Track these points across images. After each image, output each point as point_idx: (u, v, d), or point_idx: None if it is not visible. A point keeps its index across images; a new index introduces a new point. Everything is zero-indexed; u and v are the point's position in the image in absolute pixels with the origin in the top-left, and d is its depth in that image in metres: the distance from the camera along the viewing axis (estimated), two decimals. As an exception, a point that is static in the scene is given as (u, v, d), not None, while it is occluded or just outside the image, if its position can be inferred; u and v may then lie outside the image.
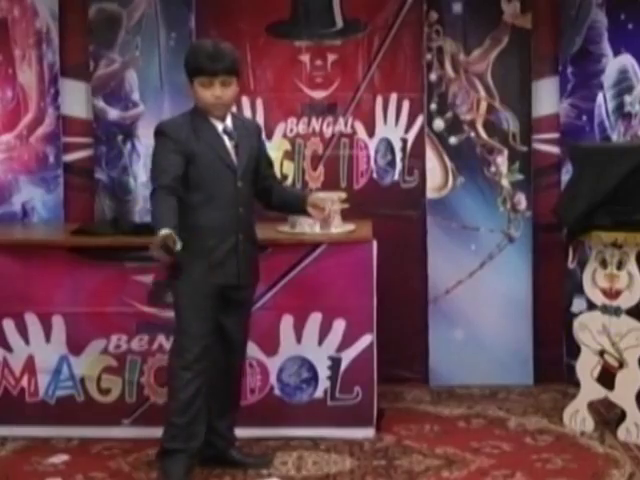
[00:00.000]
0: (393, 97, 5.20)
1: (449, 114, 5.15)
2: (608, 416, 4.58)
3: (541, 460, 4.13)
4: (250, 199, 3.88)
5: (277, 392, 4.42)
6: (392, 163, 5.23)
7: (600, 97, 5.01)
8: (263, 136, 4.13)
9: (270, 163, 4.07)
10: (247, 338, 4.04)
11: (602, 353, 4.42)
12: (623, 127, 4.91)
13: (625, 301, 4.35)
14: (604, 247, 4.37)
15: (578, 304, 4.97)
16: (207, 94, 3.71)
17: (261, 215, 4.82)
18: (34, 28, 5.07)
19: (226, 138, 3.78)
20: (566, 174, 5.03)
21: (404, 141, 5.22)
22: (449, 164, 5.17)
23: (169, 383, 3.87)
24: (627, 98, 4.90)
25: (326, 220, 4.14)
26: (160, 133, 3.74)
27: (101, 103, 5.15)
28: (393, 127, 5.22)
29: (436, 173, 5.18)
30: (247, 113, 5.16)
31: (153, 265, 3.96)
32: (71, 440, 4.40)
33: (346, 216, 4.50)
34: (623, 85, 4.92)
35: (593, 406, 4.53)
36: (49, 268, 4.37)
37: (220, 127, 3.78)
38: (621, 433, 4.35)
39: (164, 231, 3.44)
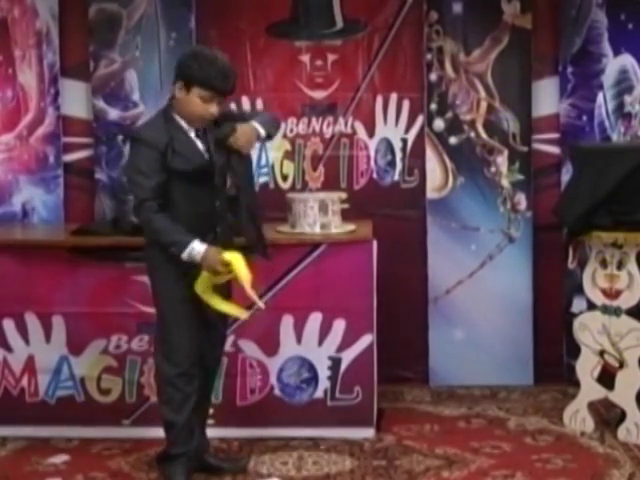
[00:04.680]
0: (393, 97, 5.19)
1: (449, 114, 5.15)
2: (608, 416, 4.58)
3: (541, 460, 4.13)
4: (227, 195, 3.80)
5: (277, 392, 4.41)
6: (392, 163, 5.23)
7: (600, 97, 5.01)
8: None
9: None
10: (226, 332, 4.03)
11: (602, 353, 4.41)
12: (623, 127, 4.91)
13: (625, 301, 4.35)
14: (604, 247, 4.37)
15: (578, 304, 4.97)
16: (203, 108, 3.61)
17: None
18: (34, 28, 5.07)
19: (199, 142, 3.69)
20: (566, 174, 5.03)
21: (404, 141, 5.21)
22: (449, 164, 5.17)
23: (161, 389, 3.80)
24: (627, 98, 4.90)
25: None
26: (139, 141, 3.66)
27: (101, 103, 5.15)
28: (393, 127, 5.21)
29: (436, 173, 5.18)
30: (247, 113, 5.17)
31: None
32: (71, 440, 4.40)
33: (346, 216, 4.50)
34: (623, 85, 4.92)
35: (593, 406, 4.53)
36: (49, 268, 4.37)
37: (192, 133, 3.69)
38: (621, 433, 4.35)
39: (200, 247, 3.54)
